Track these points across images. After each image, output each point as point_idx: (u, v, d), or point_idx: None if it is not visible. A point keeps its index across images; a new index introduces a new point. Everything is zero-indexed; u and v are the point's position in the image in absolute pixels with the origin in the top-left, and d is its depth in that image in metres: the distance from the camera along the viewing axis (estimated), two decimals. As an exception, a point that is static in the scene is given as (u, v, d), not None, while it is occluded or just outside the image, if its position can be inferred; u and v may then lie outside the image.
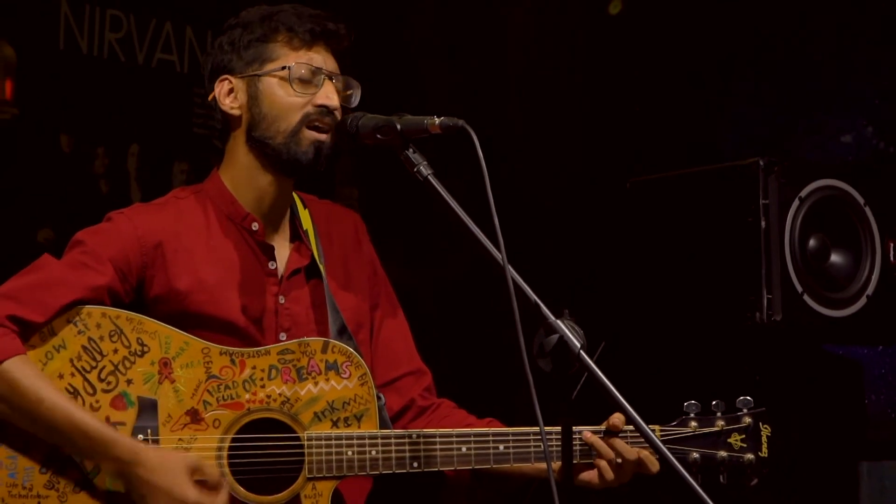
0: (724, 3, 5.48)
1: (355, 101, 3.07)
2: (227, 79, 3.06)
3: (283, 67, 3.01)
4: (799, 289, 4.18)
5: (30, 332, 2.85)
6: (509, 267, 2.62)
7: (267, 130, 3.02)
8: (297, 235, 3.13)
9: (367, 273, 3.22)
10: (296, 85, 3.01)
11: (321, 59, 3.04)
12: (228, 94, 3.06)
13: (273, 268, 3.07)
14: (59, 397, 2.82)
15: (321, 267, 3.11)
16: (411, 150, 2.82)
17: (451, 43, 5.93)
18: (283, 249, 3.11)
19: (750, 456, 3.08)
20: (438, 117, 2.80)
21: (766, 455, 3.09)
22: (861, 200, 4.33)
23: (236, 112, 3.06)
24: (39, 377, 2.82)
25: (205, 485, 2.83)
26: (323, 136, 3.01)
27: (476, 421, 3.16)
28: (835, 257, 4.34)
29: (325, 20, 3.05)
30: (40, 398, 2.80)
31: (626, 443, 3.01)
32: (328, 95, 3.01)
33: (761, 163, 4.20)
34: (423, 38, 5.96)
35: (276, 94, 3.02)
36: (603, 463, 3.01)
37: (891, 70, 5.10)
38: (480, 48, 5.89)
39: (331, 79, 3.04)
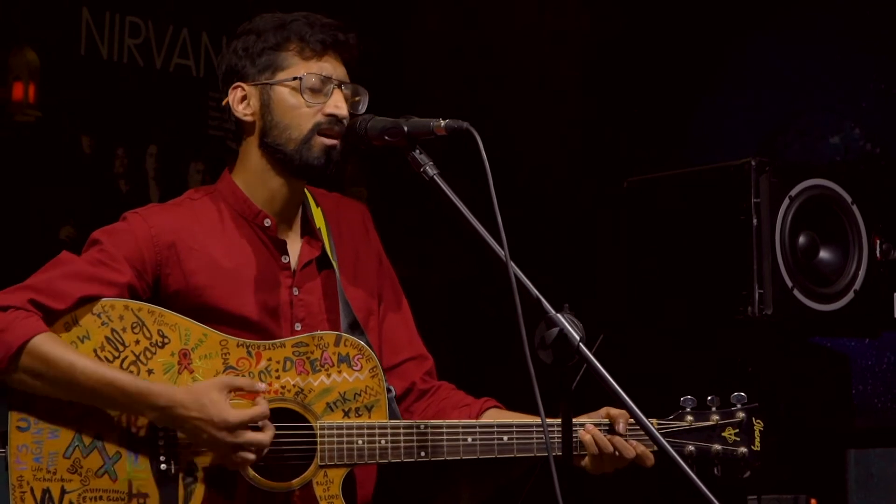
0: (717, 5, 5.51)
1: (363, 107, 3.08)
2: (240, 86, 3.09)
3: (295, 78, 3.05)
4: (789, 284, 4.21)
5: (52, 319, 2.89)
6: (512, 263, 2.68)
7: (279, 137, 3.06)
8: (308, 230, 3.17)
9: (374, 263, 3.26)
10: (307, 95, 3.04)
11: (331, 67, 3.07)
12: (241, 101, 3.09)
13: (286, 261, 3.11)
14: (89, 361, 2.87)
15: (333, 262, 3.16)
16: (418, 150, 2.87)
17: (454, 45, 5.94)
18: (295, 244, 3.15)
19: (743, 449, 3.11)
20: (444, 119, 2.85)
21: (758, 449, 3.12)
22: (849, 199, 4.35)
23: (249, 118, 3.09)
24: (67, 347, 2.87)
25: (243, 394, 2.89)
26: (333, 142, 3.05)
27: (473, 401, 3.22)
28: (823, 254, 4.34)
29: (335, 30, 3.09)
30: (73, 365, 2.84)
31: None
32: (337, 105, 3.04)
33: (753, 163, 4.21)
34: (425, 41, 5.97)
35: (287, 103, 3.05)
36: (601, 455, 3.05)
37: (877, 74, 5.12)
38: (483, 51, 5.90)
39: (340, 87, 3.06)
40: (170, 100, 5.44)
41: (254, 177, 3.13)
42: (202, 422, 2.87)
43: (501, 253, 2.71)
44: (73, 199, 5.08)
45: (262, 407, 2.90)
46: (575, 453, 3.02)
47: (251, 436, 2.88)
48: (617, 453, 3.04)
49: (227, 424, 2.86)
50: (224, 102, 3.13)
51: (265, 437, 2.89)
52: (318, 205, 3.24)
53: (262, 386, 2.93)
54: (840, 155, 5.21)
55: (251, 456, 2.89)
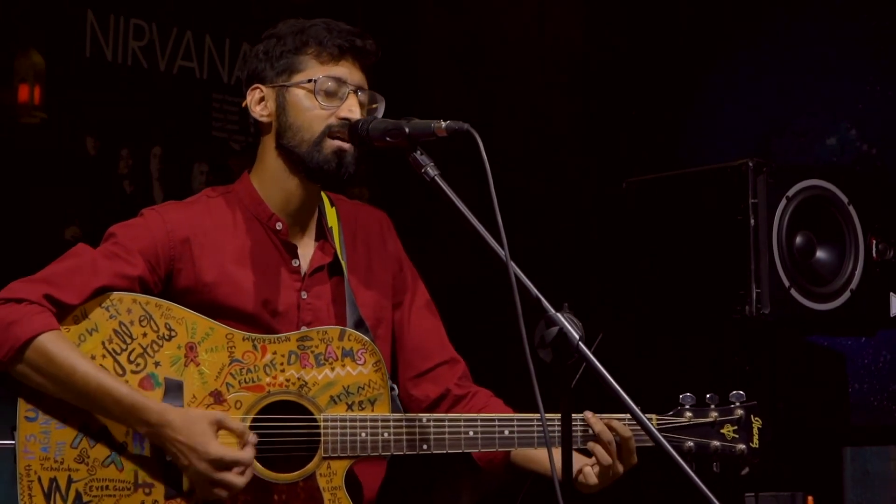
0: (714, 7, 5.54)
1: (380, 114, 3.10)
2: (258, 87, 3.12)
3: (310, 80, 3.07)
4: (786, 283, 4.21)
5: (64, 314, 2.91)
6: (512, 263, 2.69)
7: (293, 139, 3.08)
8: (322, 234, 3.19)
9: (391, 270, 3.27)
10: (321, 97, 3.06)
11: (347, 72, 3.09)
12: (259, 102, 3.12)
13: (296, 265, 3.14)
14: (91, 367, 2.89)
15: (343, 264, 3.17)
16: (419, 152, 2.87)
17: (455, 47, 5.98)
18: (307, 247, 3.17)
19: (741, 446, 3.14)
20: (445, 121, 2.85)
21: (756, 446, 3.15)
22: (845, 199, 4.34)
23: (266, 119, 3.12)
24: (73, 349, 2.89)
25: (231, 434, 2.89)
26: (345, 145, 3.05)
27: (513, 413, 3.16)
28: (820, 253, 4.34)
29: (353, 36, 3.10)
30: (74, 369, 2.86)
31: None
32: (351, 108, 3.05)
33: (750, 164, 4.21)
34: (427, 43, 6.01)
35: (302, 104, 3.08)
36: (598, 447, 3.05)
37: (873, 76, 5.14)
38: (483, 53, 5.93)
39: (356, 92, 3.08)
40: (174, 101, 5.49)
41: (270, 178, 3.15)
42: (186, 447, 2.88)
43: (502, 253, 2.72)
44: (77, 200, 5.13)
45: (248, 453, 2.91)
46: (575, 447, 3.04)
47: (226, 476, 2.89)
48: (617, 439, 3.05)
49: (207, 456, 2.87)
50: (243, 104, 3.17)
51: (240, 481, 2.89)
52: (332, 206, 3.26)
53: (252, 438, 2.93)
54: (836, 156, 5.22)
55: (223, 493, 2.89)
